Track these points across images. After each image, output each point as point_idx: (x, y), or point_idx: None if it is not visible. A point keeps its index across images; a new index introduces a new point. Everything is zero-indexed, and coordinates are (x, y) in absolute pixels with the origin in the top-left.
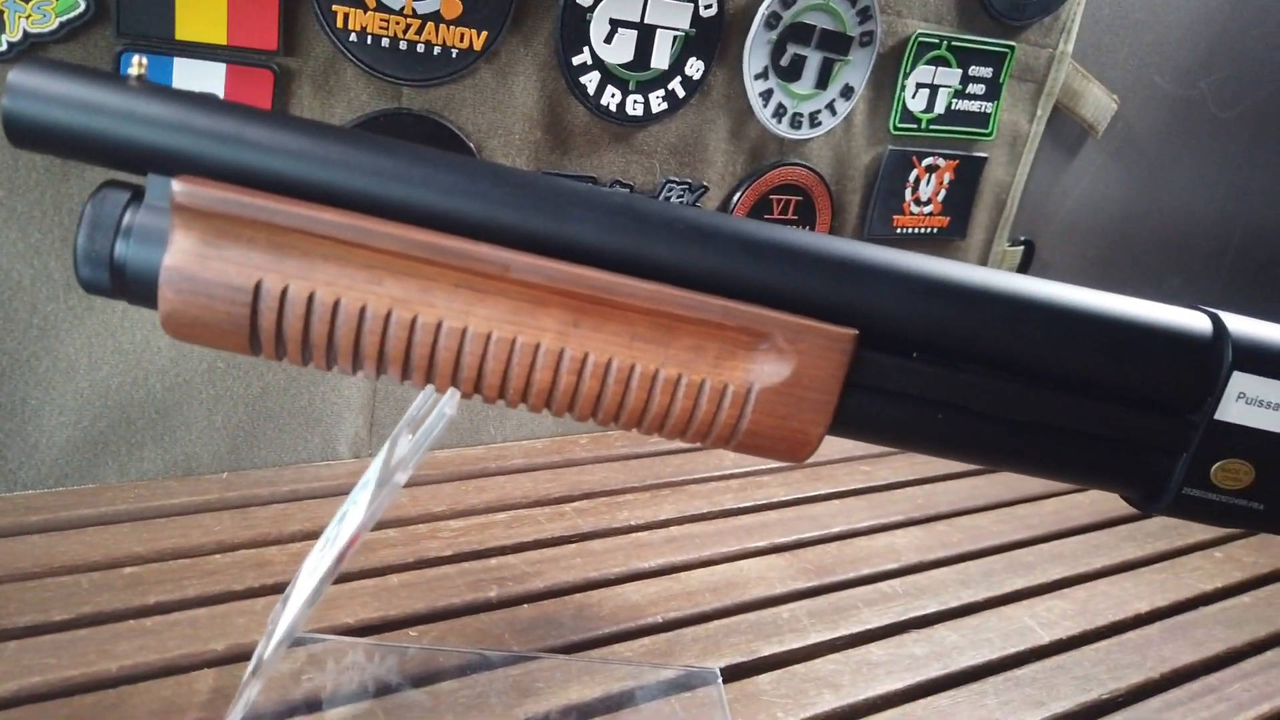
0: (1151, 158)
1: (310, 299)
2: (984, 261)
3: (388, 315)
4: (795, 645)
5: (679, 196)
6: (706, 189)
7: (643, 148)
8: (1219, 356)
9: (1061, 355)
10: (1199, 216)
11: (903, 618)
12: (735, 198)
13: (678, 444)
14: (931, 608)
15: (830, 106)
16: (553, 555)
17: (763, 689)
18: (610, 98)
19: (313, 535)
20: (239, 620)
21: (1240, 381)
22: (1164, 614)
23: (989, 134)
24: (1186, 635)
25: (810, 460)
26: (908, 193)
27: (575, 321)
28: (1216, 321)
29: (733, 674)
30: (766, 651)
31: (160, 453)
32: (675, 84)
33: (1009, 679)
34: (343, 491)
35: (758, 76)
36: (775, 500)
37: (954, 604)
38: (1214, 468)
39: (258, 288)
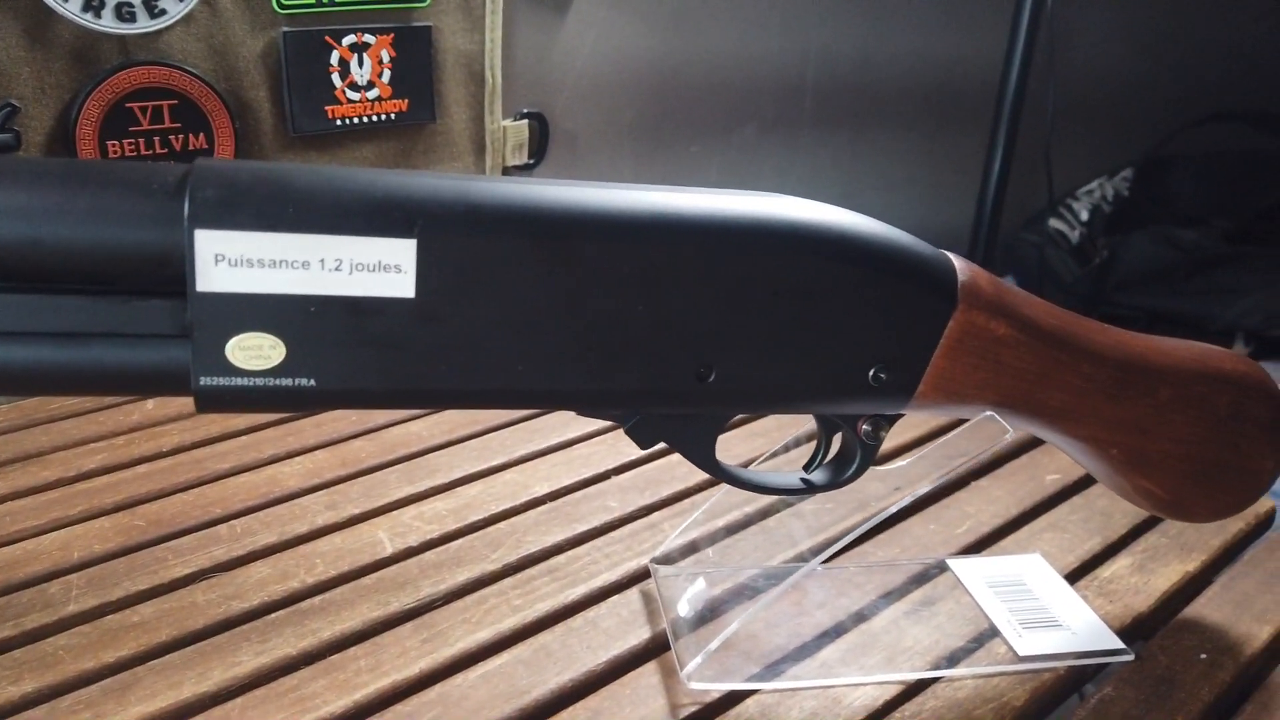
0: (672, 2)
1: None
2: (480, 145)
3: None
4: (36, 624)
5: None
6: (16, 108)
7: None
8: (177, 214)
9: None
10: (761, 58)
11: (214, 563)
12: (74, 113)
13: (85, 404)
14: (264, 541)
15: None
16: None
17: None
18: None
19: None
20: None
21: (210, 241)
22: (567, 492)
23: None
24: (573, 512)
25: None
26: (336, 79)
27: None
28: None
29: None
30: None
31: None
32: None
33: (295, 612)
34: None
35: None
36: (163, 450)
37: (299, 532)
38: (229, 348)
39: None
